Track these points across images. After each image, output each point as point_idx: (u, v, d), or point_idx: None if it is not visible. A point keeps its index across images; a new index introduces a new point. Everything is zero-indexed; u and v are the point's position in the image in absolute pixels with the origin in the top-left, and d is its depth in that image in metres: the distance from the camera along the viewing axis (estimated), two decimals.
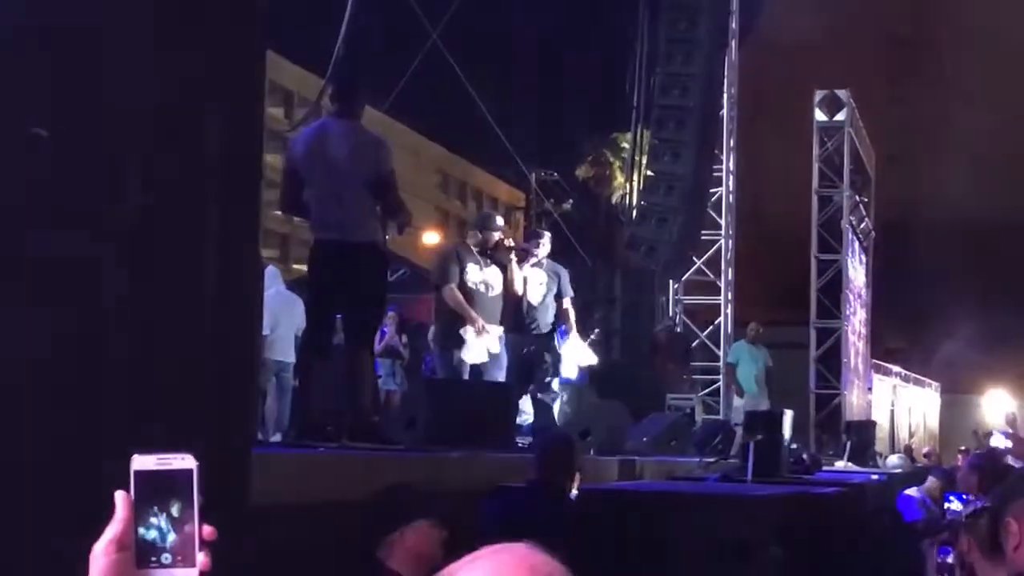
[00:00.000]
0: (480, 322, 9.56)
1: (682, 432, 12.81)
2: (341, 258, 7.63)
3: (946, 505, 10.21)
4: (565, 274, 11.27)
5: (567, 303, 11.18)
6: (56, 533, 3.19)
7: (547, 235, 11.62)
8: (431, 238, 29.26)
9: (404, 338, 15.81)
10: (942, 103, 31.58)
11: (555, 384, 11.06)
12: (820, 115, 23.88)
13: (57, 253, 3.39)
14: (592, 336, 14.27)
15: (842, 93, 24.06)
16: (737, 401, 17.52)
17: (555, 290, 11.01)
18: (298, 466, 5.69)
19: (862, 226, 27.11)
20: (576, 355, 11.26)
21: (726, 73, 20.25)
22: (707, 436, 13.52)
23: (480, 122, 16.73)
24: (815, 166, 24.09)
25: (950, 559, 9.09)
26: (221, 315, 4.00)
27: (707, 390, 20.90)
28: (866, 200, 27.64)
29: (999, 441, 14.59)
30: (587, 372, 13.82)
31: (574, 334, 11.23)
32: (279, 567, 4.71)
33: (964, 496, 9.25)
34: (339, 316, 8.08)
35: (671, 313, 20.61)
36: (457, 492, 5.93)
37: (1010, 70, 31.52)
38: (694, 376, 20.70)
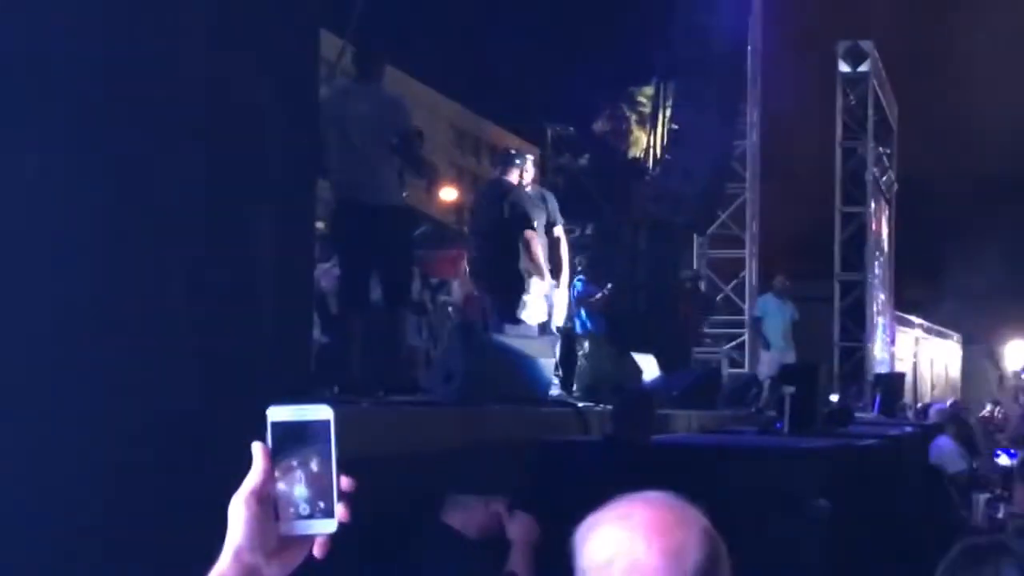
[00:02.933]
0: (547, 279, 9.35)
1: (711, 386, 12.76)
2: (366, 219, 7.71)
3: (995, 460, 10.28)
4: (553, 199, 10.30)
5: (559, 231, 10.23)
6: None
7: (530, 157, 10.48)
8: (448, 194, 29.19)
9: (428, 293, 15.76)
10: (966, 53, 31.27)
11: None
12: (843, 66, 23.69)
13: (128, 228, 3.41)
14: (604, 291, 13.94)
15: (865, 44, 23.86)
16: (763, 355, 17.47)
17: (543, 220, 10.09)
18: (344, 420, 5.65)
19: (884, 178, 26.94)
20: (564, 304, 10.45)
21: (749, 24, 20.06)
22: (736, 389, 13.50)
23: (493, 77, 16.57)
24: (838, 118, 23.93)
25: (1000, 514, 9.13)
26: (279, 272, 4.01)
27: (732, 344, 20.86)
28: (888, 152, 27.45)
29: None
30: (602, 320, 13.67)
31: (564, 278, 10.32)
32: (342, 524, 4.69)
33: (1012, 451, 9.32)
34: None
35: (695, 267, 20.52)
36: (499, 446, 5.93)
37: None
38: (719, 330, 20.65)
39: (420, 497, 4.86)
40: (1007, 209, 33.17)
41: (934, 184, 34.96)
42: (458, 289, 15.69)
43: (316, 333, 12.34)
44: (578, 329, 13.51)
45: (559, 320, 10.52)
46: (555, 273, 10.22)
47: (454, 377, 7.45)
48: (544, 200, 10.20)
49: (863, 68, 23.76)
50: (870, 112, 24.05)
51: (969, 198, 33.91)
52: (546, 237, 10.00)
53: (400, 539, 4.71)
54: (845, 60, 23.70)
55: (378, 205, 7.72)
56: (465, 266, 11.98)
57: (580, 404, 8.69)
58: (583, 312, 13.59)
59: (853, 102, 23.99)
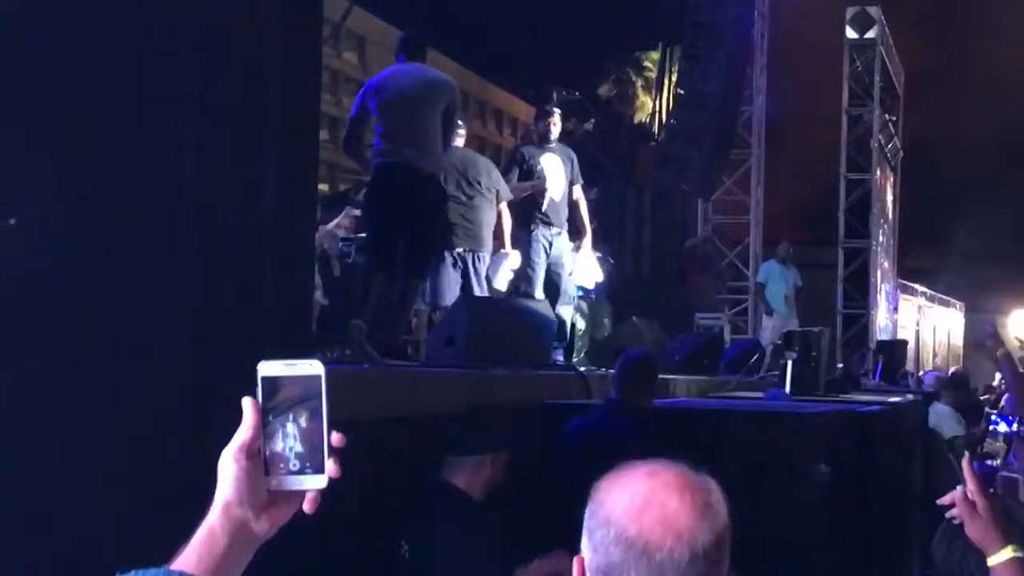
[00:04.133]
0: None
1: (713, 351, 12.73)
2: (408, 180, 7.80)
3: (991, 427, 10.30)
4: (575, 157, 10.14)
5: (578, 191, 10.09)
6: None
7: (557, 112, 10.18)
8: None
9: None
10: (974, 22, 31.12)
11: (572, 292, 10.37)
12: (851, 32, 23.57)
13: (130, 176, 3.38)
14: (607, 260, 13.82)
15: (873, 10, 23.73)
16: (766, 321, 17.47)
17: (569, 177, 9.98)
18: (346, 382, 5.65)
19: (890, 145, 26.86)
20: (589, 265, 10.39)
21: None
22: (739, 355, 13.46)
23: (498, 40, 16.53)
24: (845, 84, 23.83)
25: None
26: (279, 233, 4.01)
27: (735, 309, 20.86)
28: (894, 119, 27.35)
29: None
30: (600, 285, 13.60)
31: (588, 239, 10.26)
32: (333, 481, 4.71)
33: (1010, 418, 9.36)
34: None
35: (700, 232, 20.51)
36: (501, 409, 5.93)
37: None
38: (722, 295, 20.64)
39: (423, 458, 4.88)
40: (1012, 179, 33.09)
41: (939, 152, 34.91)
42: None
43: (318, 295, 12.39)
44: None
45: (587, 282, 10.58)
46: (578, 234, 10.26)
47: (456, 340, 7.45)
48: (570, 159, 10.10)
49: (870, 35, 23.64)
50: (876, 79, 23.95)
51: (974, 167, 33.87)
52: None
53: (403, 499, 4.73)
54: (852, 26, 23.58)
55: (422, 168, 7.91)
56: None
57: (583, 368, 8.68)
58: None
59: (860, 69, 23.89)
